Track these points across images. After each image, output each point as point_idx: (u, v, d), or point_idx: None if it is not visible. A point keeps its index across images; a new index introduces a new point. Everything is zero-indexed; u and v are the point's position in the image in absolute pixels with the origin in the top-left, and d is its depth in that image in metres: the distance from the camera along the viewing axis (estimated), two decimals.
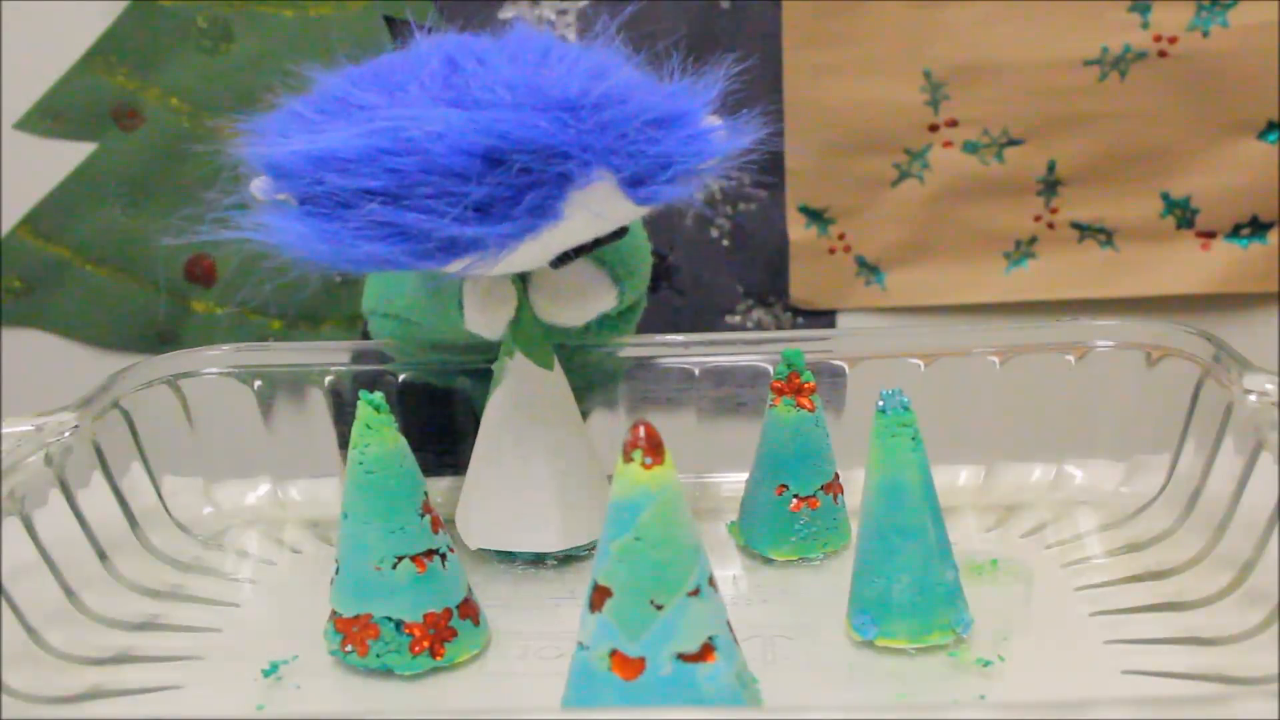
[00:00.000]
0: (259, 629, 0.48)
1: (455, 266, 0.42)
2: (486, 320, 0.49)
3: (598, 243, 0.46)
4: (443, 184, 0.40)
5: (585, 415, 0.57)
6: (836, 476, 0.51)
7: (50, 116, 0.95)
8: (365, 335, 0.65)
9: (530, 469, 0.49)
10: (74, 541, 0.48)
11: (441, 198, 0.40)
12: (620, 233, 0.47)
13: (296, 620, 0.47)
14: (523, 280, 0.50)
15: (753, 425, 0.52)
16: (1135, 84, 0.86)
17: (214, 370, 0.56)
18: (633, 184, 0.43)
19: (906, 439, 0.42)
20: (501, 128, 0.40)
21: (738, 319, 0.95)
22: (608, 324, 0.55)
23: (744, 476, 0.52)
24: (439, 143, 0.40)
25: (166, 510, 0.54)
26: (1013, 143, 0.88)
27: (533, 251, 0.44)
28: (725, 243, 0.94)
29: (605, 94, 0.42)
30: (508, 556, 0.51)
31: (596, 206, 0.43)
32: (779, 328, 0.95)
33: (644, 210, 0.45)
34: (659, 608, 0.35)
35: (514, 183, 0.41)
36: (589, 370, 0.56)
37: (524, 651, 0.45)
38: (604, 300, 0.51)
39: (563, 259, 0.46)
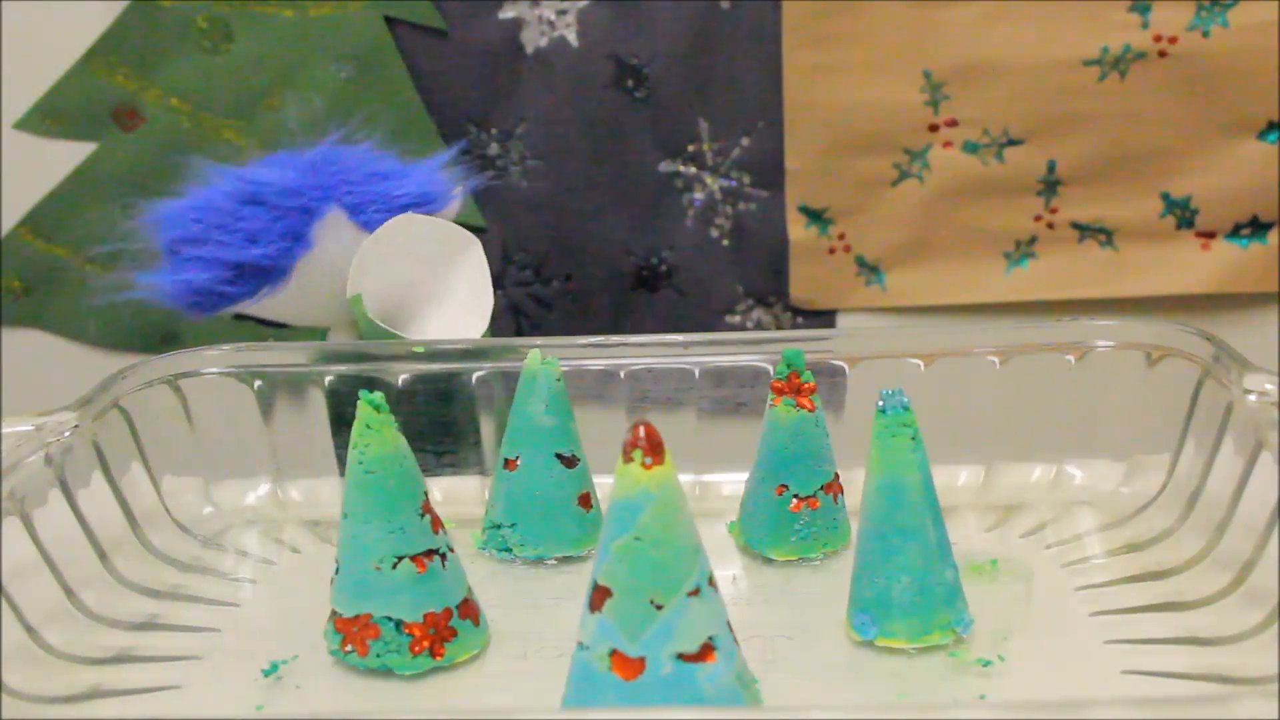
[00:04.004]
0: (259, 629, 0.48)
1: (262, 294, 0.62)
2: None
3: None
4: (225, 222, 0.61)
5: None
6: (836, 476, 0.51)
7: (50, 116, 0.95)
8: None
9: None
10: (74, 541, 0.48)
11: (225, 230, 0.61)
12: None
13: (296, 620, 0.47)
14: None
15: (753, 425, 0.52)
16: (1135, 84, 0.86)
17: (214, 370, 0.56)
18: (355, 212, 0.63)
19: (906, 439, 0.42)
20: (260, 179, 0.62)
21: (738, 319, 0.95)
22: None
23: (744, 476, 0.52)
24: (220, 196, 0.62)
25: (166, 510, 0.54)
26: (1013, 143, 0.89)
27: (315, 293, 0.63)
28: (725, 243, 0.94)
29: (336, 155, 0.64)
30: (507, 555, 0.51)
31: (335, 234, 0.62)
32: (779, 328, 0.95)
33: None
34: (659, 608, 0.35)
35: (271, 216, 0.61)
36: None
37: (524, 651, 0.45)
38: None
39: None
